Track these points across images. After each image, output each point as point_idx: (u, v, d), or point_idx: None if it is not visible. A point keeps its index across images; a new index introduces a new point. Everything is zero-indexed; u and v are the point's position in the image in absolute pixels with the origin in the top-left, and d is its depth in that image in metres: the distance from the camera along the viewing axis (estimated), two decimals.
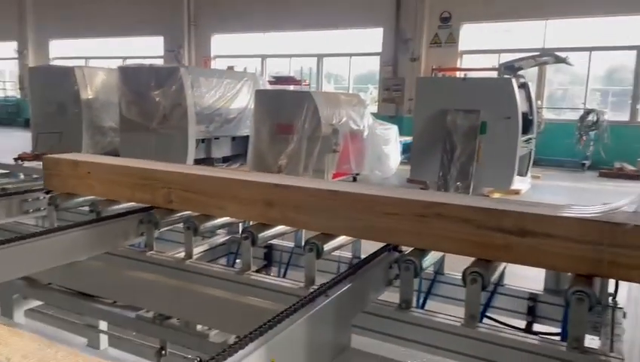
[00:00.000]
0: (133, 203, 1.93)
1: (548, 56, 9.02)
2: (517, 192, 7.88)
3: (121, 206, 1.95)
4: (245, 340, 0.91)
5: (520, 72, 8.71)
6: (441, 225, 1.37)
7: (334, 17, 14.47)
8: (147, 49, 18.07)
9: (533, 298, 1.54)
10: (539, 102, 12.21)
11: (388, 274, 1.47)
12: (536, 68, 11.31)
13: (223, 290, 1.54)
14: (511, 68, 8.23)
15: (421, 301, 1.67)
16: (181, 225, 1.81)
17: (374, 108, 14.62)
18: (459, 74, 11.55)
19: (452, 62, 13.18)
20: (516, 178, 7.76)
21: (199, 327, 1.66)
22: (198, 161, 8.82)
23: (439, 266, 1.67)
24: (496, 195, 8.00)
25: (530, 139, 8.32)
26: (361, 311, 1.35)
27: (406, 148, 10.01)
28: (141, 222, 1.81)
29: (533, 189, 8.50)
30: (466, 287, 1.30)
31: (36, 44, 20.43)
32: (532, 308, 1.54)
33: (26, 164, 7.11)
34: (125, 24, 17.67)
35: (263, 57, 16.51)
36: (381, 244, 1.51)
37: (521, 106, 7.66)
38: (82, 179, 1.99)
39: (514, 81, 7.38)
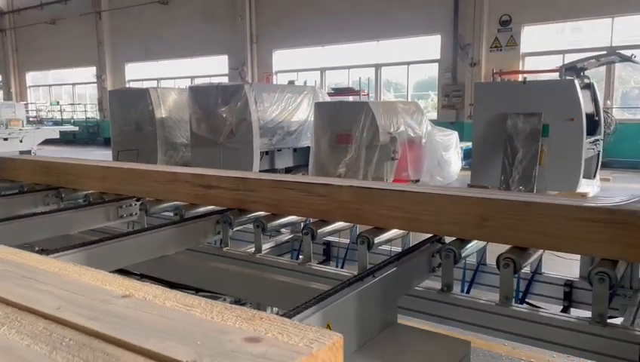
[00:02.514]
0: (212, 206, 2.22)
1: (612, 55, 8.72)
2: (584, 195, 7.65)
3: (200, 209, 2.25)
4: (306, 305, 1.14)
5: (586, 72, 8.49)
6: (181, 185, 2.29)
7: (391, 27, 14.64)
8: (213, 67, 19.01)
9: (568, 284, 1.67)
10: (608, 102, 11.74)
11: (431, 263, 1.65)
12: (604, 67, 10.92)
13: (288, 278, 1.79)
14: (573, 69, 8.05)
15: (465, 289, 1.83)
16: (251, 225, 2.08)
17: (435, 115, 14.60)
18: (521, 77, 11.35)
19: (514, 65, 12.94)
20: (583, 181, 7.56)
21: (269, 310, 1.92)
22: (262, 173, 9.25)
23: (481, 256, 1.83)
24: None
25: (597, 140, 8.07)
26: (406, 293, 1.54)
27: (467, 154, 9.96)
28: (217, 223, 2.09)
29: (603, 192, 8.22)
30: (500, 271, 1.47)
31: (113, 68, 22.02)
32: (568, 293, 1.66)
33: None
34: (193, 46, 18.72)
35: (322, 70, 16.92)
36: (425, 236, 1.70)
37: (586, 107, 7.48)
38: (16, 170, 3.06)
39: (576, 82, 7.23)
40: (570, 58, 10.76)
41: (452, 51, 13.91)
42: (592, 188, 8.08)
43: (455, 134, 9.90)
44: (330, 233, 1.98)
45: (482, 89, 8.46)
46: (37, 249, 2.64)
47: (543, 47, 13.03)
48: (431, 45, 14.53)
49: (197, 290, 2.12)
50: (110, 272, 2.10)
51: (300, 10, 16.19)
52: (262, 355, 0.60)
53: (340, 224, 1.96)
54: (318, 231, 1.87)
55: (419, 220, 1.62)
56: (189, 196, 2.25)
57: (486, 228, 1.48)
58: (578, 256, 1.63)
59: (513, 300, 1.49)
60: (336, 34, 15.65)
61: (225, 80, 17.91)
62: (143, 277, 2.23)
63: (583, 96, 7.34)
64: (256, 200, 2.02)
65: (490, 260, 1.86)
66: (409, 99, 15.28)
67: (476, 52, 13.34)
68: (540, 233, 1.40)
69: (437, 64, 14.59)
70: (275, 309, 1.85)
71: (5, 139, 15.63)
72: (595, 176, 8.33)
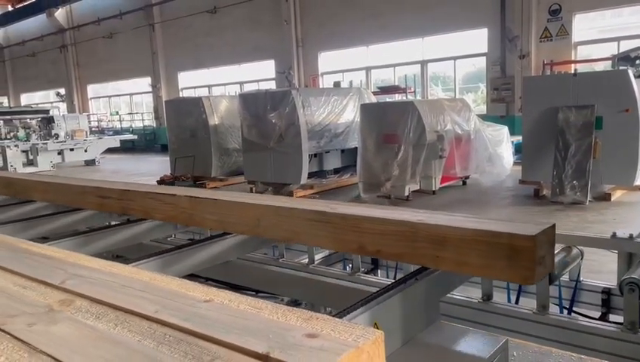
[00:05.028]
0: None
1: None
2: None
3: None
4: (354, 306, 1.30)
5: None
6: (88, 196, 2.68)
7: (435, 23, 14.53)
8: (260, 72, 19.48)
9: (606, 292, 1.74)
10: None
11: None
12: None
13: (339, 281, 1.95)
14: (626, 58, 7.79)
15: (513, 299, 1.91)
16: None
17: (484, 109, 14.37)
18: (572, 68, 11.02)
19: (565, 55, 12.56)
20: None
21: (322, 310, 2.10)
22: (311, 174, 9.46)
23: None
24: (619, 193, 7.60)
25: None
26: (448, 293, 1.67)
27: (518, 148, 9.81)
28: None
29: None
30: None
31: (167, 78, 22.96)
32: (606, 300, 1.73)
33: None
34: (240, 52, 19.26)
35: (368, 69, 16.98)
36: None
37: None
38: None
39: (630, 71, 7.01)
40: (627, 44, 10.38)
41: (500, 44, 13.65)
42: None
43: (505, 129, 9.76)
44: None
45: (531, 83, 8.32)
46: (114, 256, 2.94)
47: (598, 33, 12.57)
48: (477, 39, 14.29)
49: (257, 292, 2.33)
50: (184, 277, 2.35)
51: (344, 11, 16.34)
52: (319, 347, 0.77)
53: None
54: None
55: (225, 221, 2.06)
56: (93, 204, 2.73)
57: (260, 227, 1.94)
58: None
59: (550, 307, 1.59)
60: (380, 33, 15.69)
61: (272, 84, 18.32)
62: (208, 280, 2.47)
63: (638, 86, 7.10)
64: (133, 207, 2.49)
65: None
66: (457, 94, 15.10)
67: (525, 44, 13.04)
68: (290, 230, 1.83)
69: (485, 57, 14.35)
70: (329, 309, 2.02)
71: (72, 150, 16.71)
72: None
